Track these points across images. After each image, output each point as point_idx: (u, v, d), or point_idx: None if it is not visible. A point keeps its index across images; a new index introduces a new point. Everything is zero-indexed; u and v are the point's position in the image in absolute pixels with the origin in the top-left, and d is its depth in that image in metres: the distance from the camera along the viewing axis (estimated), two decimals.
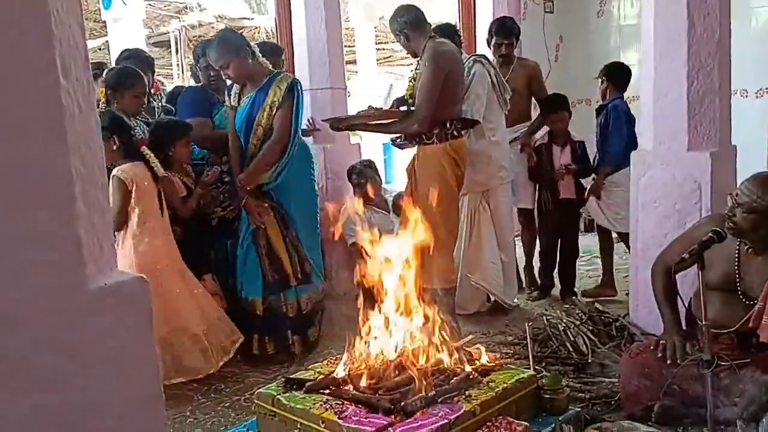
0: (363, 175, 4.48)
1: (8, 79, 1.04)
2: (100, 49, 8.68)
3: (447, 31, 4.06)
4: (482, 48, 5.34)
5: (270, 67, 3.72)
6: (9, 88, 1.04)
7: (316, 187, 4.01)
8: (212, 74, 3.93)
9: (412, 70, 3.89)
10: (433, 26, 3.76)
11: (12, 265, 1.04)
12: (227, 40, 3.59)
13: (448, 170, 3.66)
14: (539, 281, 4.72)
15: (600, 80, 4.63)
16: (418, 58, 3.66)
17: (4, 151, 1.04)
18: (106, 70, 3.66)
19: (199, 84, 4.15)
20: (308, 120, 4.44)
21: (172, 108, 4.19)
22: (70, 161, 1.09)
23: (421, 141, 3.66)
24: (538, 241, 4.77)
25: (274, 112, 3.56)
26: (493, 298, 4.26)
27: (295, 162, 3.67)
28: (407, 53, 3.84)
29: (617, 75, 4.51)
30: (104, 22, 7.87)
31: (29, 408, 1.06)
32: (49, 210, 1.08)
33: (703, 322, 2.36)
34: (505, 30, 4.56)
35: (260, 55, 3.69)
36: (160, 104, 4.37)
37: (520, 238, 4.91)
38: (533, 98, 4.84)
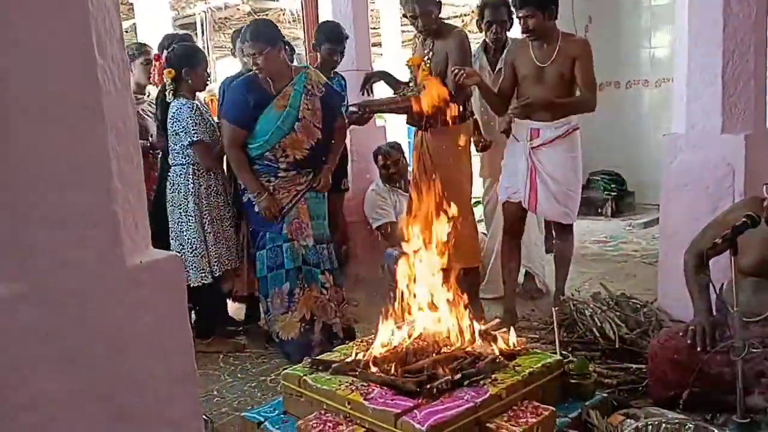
0: (389, 156, 4.46)
1: (46, 58, 1.05)
2: (126, 32, 8.74)
3: None
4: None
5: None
6: (47, 67, 1.05)
7: None
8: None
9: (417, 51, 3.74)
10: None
11: (51, 243, 1.06)
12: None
13: (467, 149, 3.75)
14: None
15: None
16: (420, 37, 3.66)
17: (43, 129, 1.05)
18: (166, 52, 3.67)
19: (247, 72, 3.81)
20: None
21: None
22: (107, 139, 1.09)
23: (442, 122, 3.64)
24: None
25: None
26: (521, 283, 4.24)
27: None
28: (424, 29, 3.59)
29: None
30: (131, 4, 7.92)
31: (66, 382, 1.08)
32: (86, 188, 1.09)
33: (735, 309, 2.33)
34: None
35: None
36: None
37: None
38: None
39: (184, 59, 3.53)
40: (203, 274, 3.46)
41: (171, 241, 3.50)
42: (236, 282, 3.71)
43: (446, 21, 3.79)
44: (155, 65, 3.78)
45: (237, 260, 3.66)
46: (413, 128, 3.88)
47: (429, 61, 3.64)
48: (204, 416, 2.78)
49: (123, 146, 1.13)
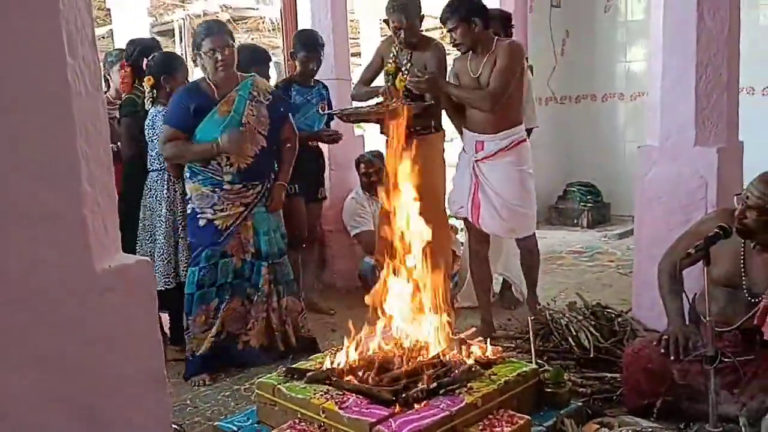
0: (372, 165, 4.45)
1: (15, 56, 1.03)
2: (103, 38, 8.66)
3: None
4: None
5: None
6: (15, 65, 1.03)
7: None
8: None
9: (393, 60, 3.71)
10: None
11: (17, 240, 1.03)
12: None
13: (442, 158, 3.72)
14: None
15: None
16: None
17: (10, 128, 1.03)
18: (146, 59, 3.62)
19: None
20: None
21: None
22: (77, 141, 1.08)
23: (427, 131, 3.64)
24: None
25: None
26: (496, 292, 4.25)
27: None
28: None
29: None
30: (108, 9, 7.85)
31: (29, 382, 1.05)
32: (55, 189, 1.07)
33: (708, 318, 2.35)
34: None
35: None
36: None
37: None
38: None
39: (162, 66, 3.52)
40: (167, 279, 3.42)
41: (138, 244, 3.47)
42: None
43: (424, 33, 3.81)
44: (121, 72, 3.74)
45: None
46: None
47: (407, 72, 3.65)
48: (177, 425, 2.74)
49: (93, 149, 1.11)
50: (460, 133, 3.70)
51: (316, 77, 4.25)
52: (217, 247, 3.30)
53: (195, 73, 4.44)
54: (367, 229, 4.45)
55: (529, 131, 3.99)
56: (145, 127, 3.48)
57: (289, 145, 3.54)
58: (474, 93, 3.43)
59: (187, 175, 3.35)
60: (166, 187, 3.44)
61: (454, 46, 3.51)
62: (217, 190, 3.29)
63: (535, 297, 3.80)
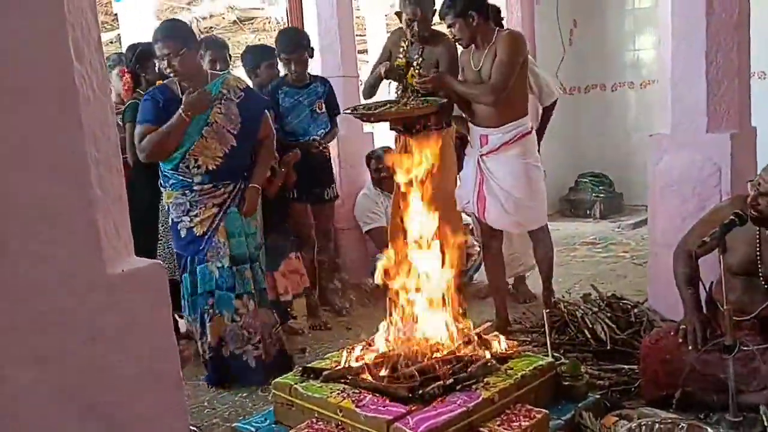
0: (382, 161, 4.43)
1: (22, 63, 1.03)
2: (111, 42, 8.69)
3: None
4: None
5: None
6: (23, 72, 1.04)
7: None
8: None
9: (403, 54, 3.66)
10: None
11: (29, 243, 1.03)
12: None
13: (452, 154, 3.69)
14: None
15: None
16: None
17: (21, 134, 1.03)
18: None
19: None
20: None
21: None
22: (85, 146, 1.08)
23: (439, 126, 3.62)
24: None
25: None
26: (512, 285, 4.24)
27: None
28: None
29: None
30: (116, 14, 7.87)
31: (39, 383, 1.05)
32: (65, 194, 1.07)
33: (725, 307, 2.33)
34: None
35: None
36: None
37: None
38: None
39: (138, 56, 3.56)
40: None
41: (159, 248, 3.50)
42: None
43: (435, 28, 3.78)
44: (124, 79, 3.73)
45: None
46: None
47: (419, 67, 3.63)
48: (195, 427, 2.75)
49: (102, 153, 1.11)
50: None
51: (320, 74, 4.22)
52: (200, 255, 3.17)
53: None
54: (379, 226, 4.45)
55: (552, 106, 3.99)
56: None
57: (265, 144, 3.35)
58: (476, 88, 3.40)
59: (161, 182, 3.27)
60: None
61: (455, 41, 3.49)
62: (187, 192, 3.15)
63: (551, 290, 3.77)
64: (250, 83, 3.97)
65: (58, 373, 1.07)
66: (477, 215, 3.58)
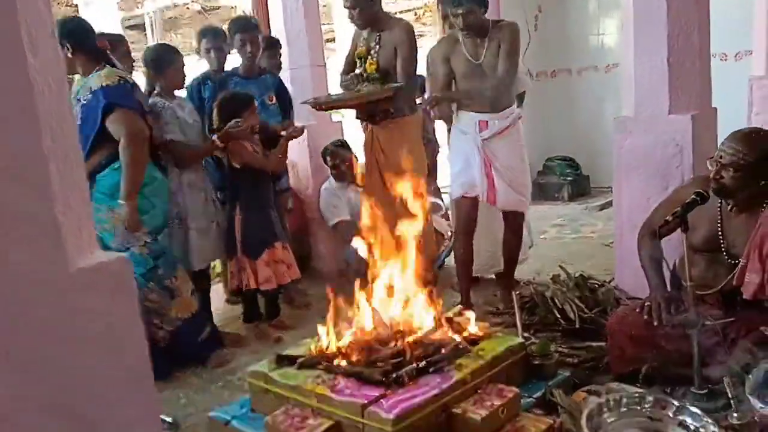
0: (336, 155, 4.47)
1: None
2: None
3: None
4: None
5: None
6: None
7: None
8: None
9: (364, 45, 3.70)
10: None
11: None
12: None
13: (419, 140, 3.81)
14: None
15: None
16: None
17: None
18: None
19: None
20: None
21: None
22: (42, 140, 1.06)
23: (397, 114, 3.65)
24: None
25: None
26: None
27: None
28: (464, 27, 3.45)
29: None
30: (76, 5, 7.72)
31: (5, 386, 1.04)
32: (24, 189, 1.05)
33: (688, 283, 2.39)
34: None
35: None
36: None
37: None
38: None
39: (151, 61, 3.56)
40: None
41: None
42: (242, 276, 3.66)
43: (395, 14, 3.80)
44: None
45: (221, 254, 3.79)
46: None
47: (376, 54, 3.63)
48: (169, 418, 2.74)
49: (60, 148, 1.10)
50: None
51: (287, 64, 4.20)
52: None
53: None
54: (343, 219, 4.46)
55: (522, 95, 4.10)
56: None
57: (121, 145, 3.01)
58: (485, 86, 3.49)
59: None
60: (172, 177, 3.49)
61: (463, 29, 3.47)
62: None
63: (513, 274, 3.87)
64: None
65: (23, 372, 1.06)
66: (484, 200, 3.66)
